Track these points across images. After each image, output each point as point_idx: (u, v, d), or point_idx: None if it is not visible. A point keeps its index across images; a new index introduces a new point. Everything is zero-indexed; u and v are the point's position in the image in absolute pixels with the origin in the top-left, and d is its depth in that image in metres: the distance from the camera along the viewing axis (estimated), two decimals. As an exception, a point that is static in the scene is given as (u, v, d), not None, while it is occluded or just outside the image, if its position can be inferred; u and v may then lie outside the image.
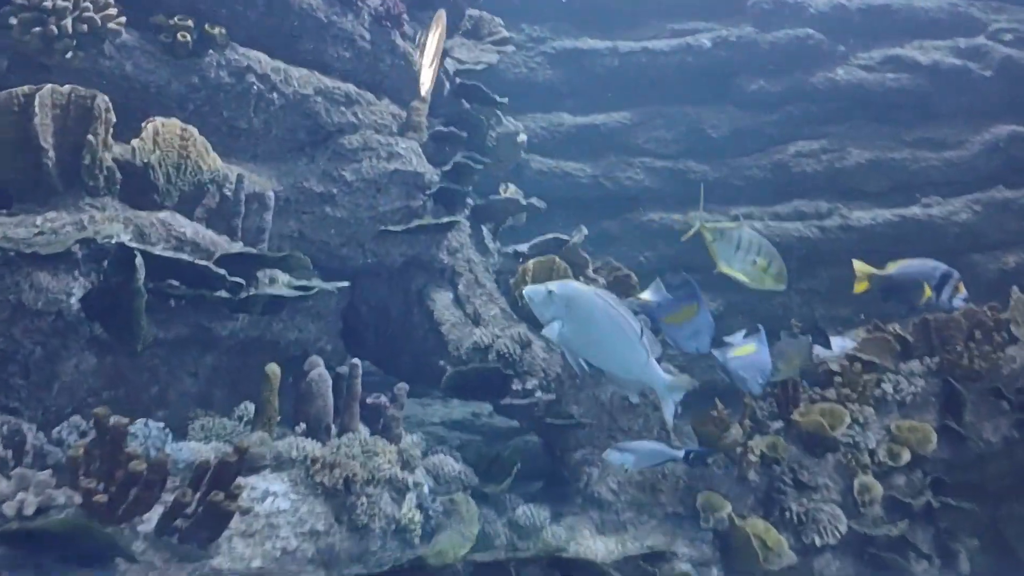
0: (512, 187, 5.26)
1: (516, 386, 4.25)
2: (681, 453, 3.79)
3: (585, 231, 4.70)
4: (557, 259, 4.35)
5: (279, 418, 3.70)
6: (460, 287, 4.70)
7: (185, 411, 3.88)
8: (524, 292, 2.81)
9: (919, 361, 4.96)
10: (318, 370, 3.63)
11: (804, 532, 4.28)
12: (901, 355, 5.02)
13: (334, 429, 3.75)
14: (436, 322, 4.62)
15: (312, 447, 3.40)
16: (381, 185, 4.43)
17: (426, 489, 3.89)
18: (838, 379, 4.73)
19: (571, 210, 6.41)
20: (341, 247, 4.52)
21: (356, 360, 3.79)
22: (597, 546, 4.14)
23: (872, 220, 6.18)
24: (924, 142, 6.40)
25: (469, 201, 4.96)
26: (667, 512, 4.32)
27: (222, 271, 3.42)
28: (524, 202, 4.87)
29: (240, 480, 3.17)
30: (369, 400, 4.43)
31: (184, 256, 3.34)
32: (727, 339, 4.02)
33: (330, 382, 3.64)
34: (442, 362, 4.49)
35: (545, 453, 4.65)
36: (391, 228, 4.32)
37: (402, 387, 4.02)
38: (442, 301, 4.69)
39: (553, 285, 2.77)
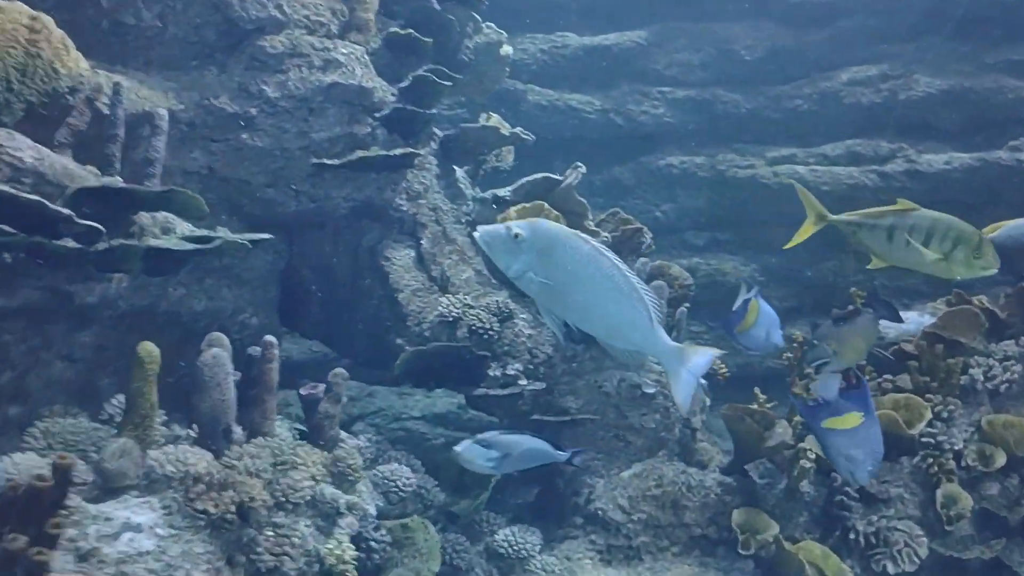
0: (495, 116, 4.40)
1: (494, 371, 3.42)
2: (565, 455, 3.01)
3: (583, 169, 3.83)
4: (546, 205, 3.51)
5: (164, 418, 2.87)
6: (424, 243, 3.86)
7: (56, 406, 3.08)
8: (476, 234, 2.09)
9: (1015, 341, 4.13)
10: (212, 352, 2.79)
11: (874, 558, 3.48)
12: (991, 333, 4.18)
13: (238, 432, 2.91)
14: (392, 288, 3.80)
15: (197, 460, 2.55)
16: (315, 104, 3.56)
17: (372, 511, 3.07)
18: (914, 364, 3.89)
19: (576, 152, 5.58)
20: (266, 188, 3.67)
21: (270, 338, 2.96)
22: (602, 581, 3.35)
23: (946, 165, 5.29)
24: (1013, 67, 5.46)
25: (436, 132, 4.09)
26: (694, 535, 3.52)
27: (67, 211, 2.55)
28: (507, 132, 3.98)
29: (89, 507, 2.36)
30: (304, 392, 3.63)
31: (6, 188, 2.47)
32: (819, 388, 3.19)
33: (230, 368, 2.79)
34: (399, 340, 3.68)
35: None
36: (327, 162, 3.46)
37: (339, 373, 3.19)
38: (400, 261, 3.85)
39: (520, 225, 2.07)
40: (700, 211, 5.60)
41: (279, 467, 2.78)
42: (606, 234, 3.61)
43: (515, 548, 3.32)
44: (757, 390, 3.51)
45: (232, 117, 3.53)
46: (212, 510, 2.44)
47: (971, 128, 5.40)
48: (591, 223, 3.65)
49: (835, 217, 3.17)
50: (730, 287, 5.06)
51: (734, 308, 3.27)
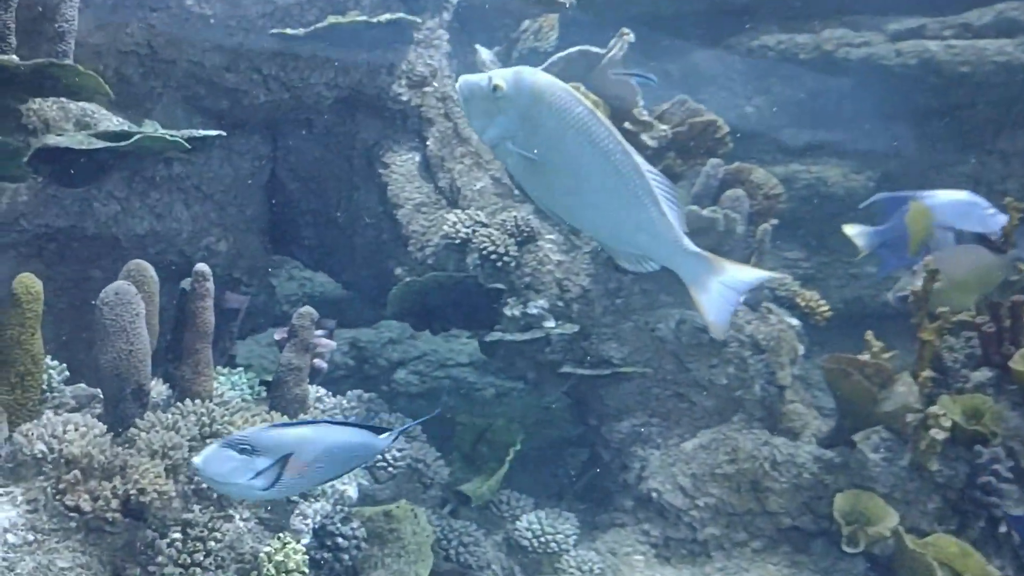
0: (531, -19, 3.58)
1: (511, 310, 2.73)
2: (384, 438, 1.95)
3: (630, 37, 3.02)
4: (582, 88, 2.75)
5: (56, 376, 2.30)
6: (430, 144, 3.16)
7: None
8: (457, 84, 1.78)
9: None
10: (115, 286, 2.17)
11: (1030, 556, 2.74)
12: None
13: (160, 393, 2.32)
14: (391, 203, 3.14)
15: (77, 435, 1.96)
16: (276, -42, 2.86)
17: (352, 493, 2.46)
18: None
19: (648, 35, 4.73)
20: (224, 72, 3.01)
21: (202, 267, 2.33)
22: (657, 585, 2.70)
23: None
24: None
25: (450, -2, 3.34)
26: (781, 526, 2.81)
27: None
28: (540, -7, 3.18)
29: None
30: (279, 336, 3.06)
31: None
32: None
33: (140, 308, 2.18)
34: (399, 269, 3.04)
35: (575, 421, 3.16)
36: (288, 32, 2.77)
37: (306, 314, 2.56)
38: (402, 168, 3.17)
39: (503, 75, 1.72)
40: (800, 104, 4.61)
41: (206, 441, 2.17)
42: (664, 127, 2.83)
43: (542, 540, 2.68)
44: (870, 335, 2.72)
45: (173, -23, 2.87)
46: (86, 507, 1.85)
47: None
48: (643, 112, 2.86)
49: None
50: (837, 200, 4.20)
51: (877, 240, 2.49)
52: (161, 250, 3.04)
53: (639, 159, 1.74)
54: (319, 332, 2.94)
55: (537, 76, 1.73)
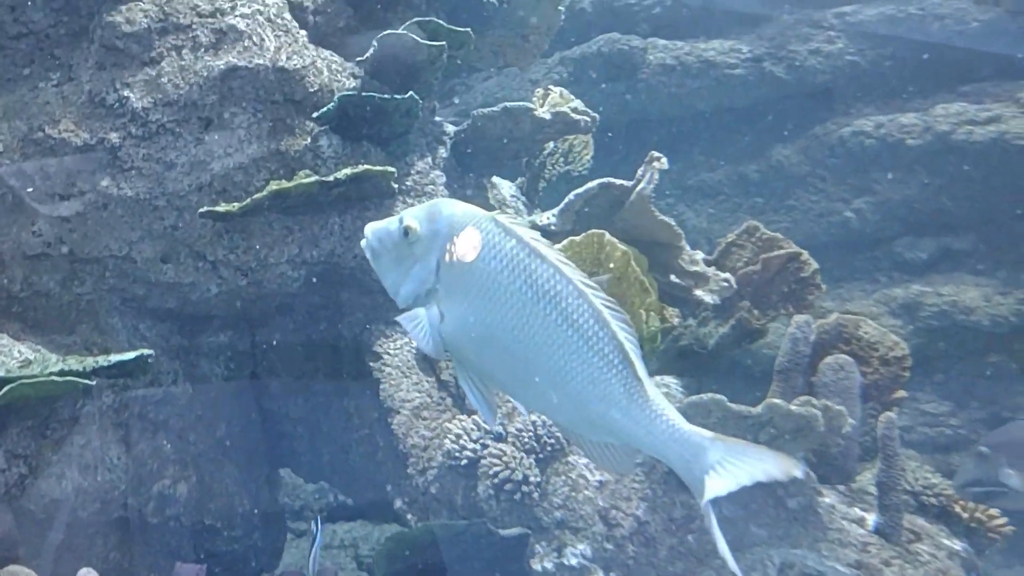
0: (557, 91, 3.11)
1: (542, 563, 2.11)
2: None
3: (662, 164, 2.41)
4: (607, 236, 2.18)
5: None
6: (428, 321, 2.61)
7: None
8: (365, 234, 1.54)
9: None
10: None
11: None
12: None
13: None
14: (385, 407, 2.59)
15: None
16: (208, 110, 2.43)
17: None
18: None
19: (716, 131, 4.45)
20: (161, 264, 2.56)
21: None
22: None
23: None
24: None
25: (447, 129, 2.85)
26: None
27: None
28: (547, 115, 2.62)
29: None
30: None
31: None
32: None
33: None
34: (399, 502, 2.49)
35: None
36: (216, 209, 2.29)
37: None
38: (396, 358, 2.67)
39: (415, 214, 1.49)
40: (917, 204, 4.00)
41: None
42: (726, 276, 2.23)
43: None
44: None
45: (83, 152, 2.45)
46: None
47: None
48: (695, 258, 2.26)
49: None
50: (982, 333, 3.46)
51: None
52: (95, 511, 2.53)
53: (603, 303, 1.45)
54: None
55: (455, 207, 1.52)
